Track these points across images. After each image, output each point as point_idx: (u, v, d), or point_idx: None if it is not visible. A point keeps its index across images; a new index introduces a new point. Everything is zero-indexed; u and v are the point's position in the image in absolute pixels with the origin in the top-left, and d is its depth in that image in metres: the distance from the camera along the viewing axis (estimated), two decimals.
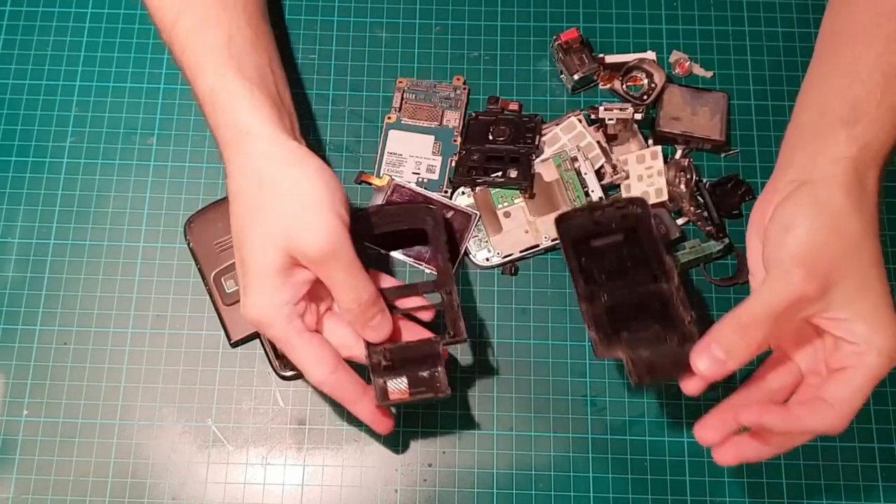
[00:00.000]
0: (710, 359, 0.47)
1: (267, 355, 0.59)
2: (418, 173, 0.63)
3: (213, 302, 0.60)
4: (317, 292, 0.52)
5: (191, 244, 0.61)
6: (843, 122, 0.49)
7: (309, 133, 0.65)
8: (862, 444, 0.58)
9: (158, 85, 0.67)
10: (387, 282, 0.56)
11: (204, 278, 0.60)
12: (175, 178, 0.64)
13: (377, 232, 0.59)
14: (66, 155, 0.65)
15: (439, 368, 0.53)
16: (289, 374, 0.59)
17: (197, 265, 0.61)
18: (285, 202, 0.50)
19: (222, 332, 0.60)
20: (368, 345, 0.53)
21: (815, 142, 0.50)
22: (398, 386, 0.53)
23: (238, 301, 0.59)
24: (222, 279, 0.60)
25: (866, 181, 0.48)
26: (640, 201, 0.55)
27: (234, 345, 0.60)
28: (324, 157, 0.60)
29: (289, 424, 0.59)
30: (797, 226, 0.47)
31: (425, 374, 0.53)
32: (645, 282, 0.55)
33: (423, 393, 0.53)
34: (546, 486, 0.57)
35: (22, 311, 0.61)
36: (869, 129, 0.49)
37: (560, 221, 0.55)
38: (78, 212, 0.63)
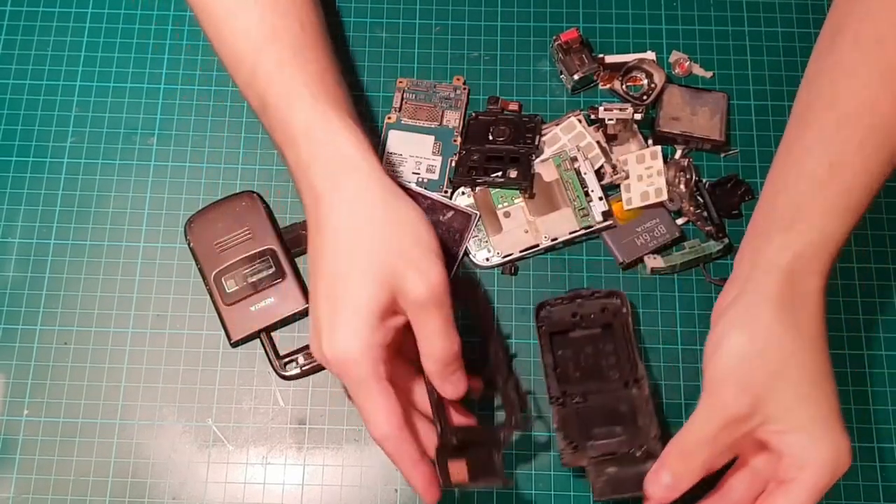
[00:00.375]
0: (659, 486, 0.48)
1: (267, 354, 0.59)
2: (418, 173, 0.63)
3: (214, 302, 0.60)
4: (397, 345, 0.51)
5: (191, 244, 0.61)
6: (780, 227, 0.49)
7: None
8: (862, 443, 0.58)
9: (159, 85, 0.67)
10: None
11: (204, 278, 0.60)
12: (175, 178, 0.64)
13: None
14: (67, 155, 0.65)
15: (498, 456, 0.53)
16: (290, 373, 0.59)
17: (197, 265, 0.61)
18: (401, 240, 0.49)
19: (222, 332, 0.60)
20: (441, 424, 0.52)
21: (756, 243, 0.49)
22: (460, 469, 0.52)
23: (240, 300, 0.59)
24: (223, 279, 0.60)
25: (804, 288, 0.48)
26: (619, 294, 0.57)
27: (235, 344, 0.60)
28: None
29: (289, 424, 0.59)
30: (726, 345, 0.47)
31: (485, 459, 0.53)
32: (618, 385, 0.57)
33: (483, 479, 0.52)
34: (546, 486, 0.57)
35: (22, 310, 0.61)
36: (805, 234, 0.48)
37: (540, 309, 0.58)
38: (78, 212, 0.64)
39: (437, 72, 0.67)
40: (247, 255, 0.60)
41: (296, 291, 0.59)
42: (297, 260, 0.61)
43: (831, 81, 0.51)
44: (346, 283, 0.48)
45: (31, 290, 0.62)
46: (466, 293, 0.60)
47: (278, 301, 0.59)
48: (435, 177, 0.63)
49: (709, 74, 0.66)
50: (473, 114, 0.65)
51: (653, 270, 0.61)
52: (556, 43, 0.65)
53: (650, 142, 0.64)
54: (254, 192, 0.62)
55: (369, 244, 0.49)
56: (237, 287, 0.60)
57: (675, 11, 0.68)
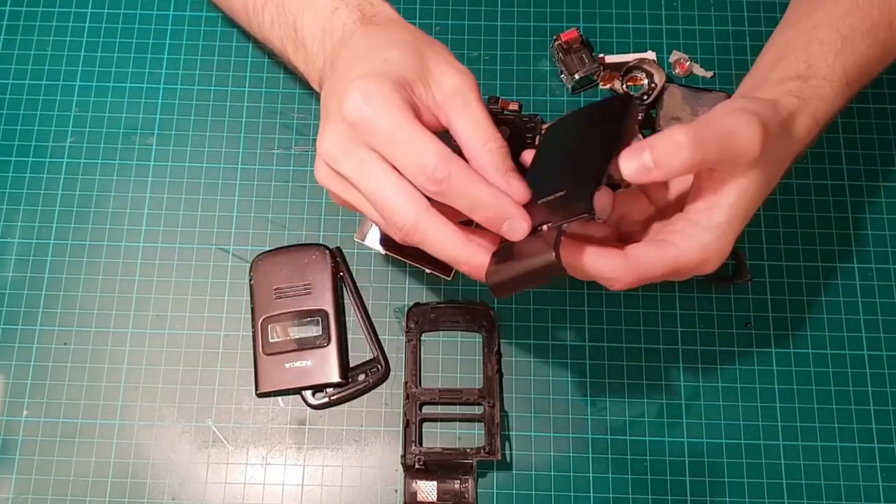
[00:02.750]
0: (638, 163, 0.43)
1: (301, 393, 0.59)
2: None
3: (254, 345, 0.59)
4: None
5: (252, 281, 0.61)
6: (796, 75, 0.50)
7: (311, 133, 0.65)
8: (862, 444, 0.58)
9: (158, 85, 0.67)
10: (431, 384, 0.58)
11: (253, 320, 0.60)
12: (175, 178, 0.64)
13: (429, 328, 0.60)
14: (66, 155, 0.65)
15: (470, 481, 0.55)
16: (318, 402, 0.59)
17: (251, 304, 0.60)
18: (426, 40, 0.47)
19: (223, 333, 0.60)
20: (405, 446, 0.55)
21: (765, 88, 0.50)
22: (428, 491, 0.55)
23: (278, 353, 0.58)
24: (269, 326, 0.59)
25: (796, 121, 0.48)
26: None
27: (260, 395, 0.59)
28: None
29: (289, 424, 0.59)
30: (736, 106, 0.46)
31: (456, 484, 0.56)
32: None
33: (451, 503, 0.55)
34: (546, 486, 0.57)
35: (22, 311, 0.61)
36: (817, 86, 0.50)
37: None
38: (78, 212, 0.63)
39: None
40: (299, 309, 0.59)
41: (334, 362, 0.58)
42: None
43: None
44: (366, 55, 0.45)
45: (31, 291, 0.62)
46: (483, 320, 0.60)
47: (315, 367, 0.58)
48: None
49: (709, 74, 0.66)
50: None
51: None
52: (557, 43, 0.65)
53: None
54: (326, 248, 0.61)
55: (396, 38, 0.46)
56: (280, 339, 0.59)
57: (676, 11, 0.68)
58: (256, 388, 0.59)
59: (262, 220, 0.63)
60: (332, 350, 0.59)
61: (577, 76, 0.64)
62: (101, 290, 0.62)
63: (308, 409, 0.59)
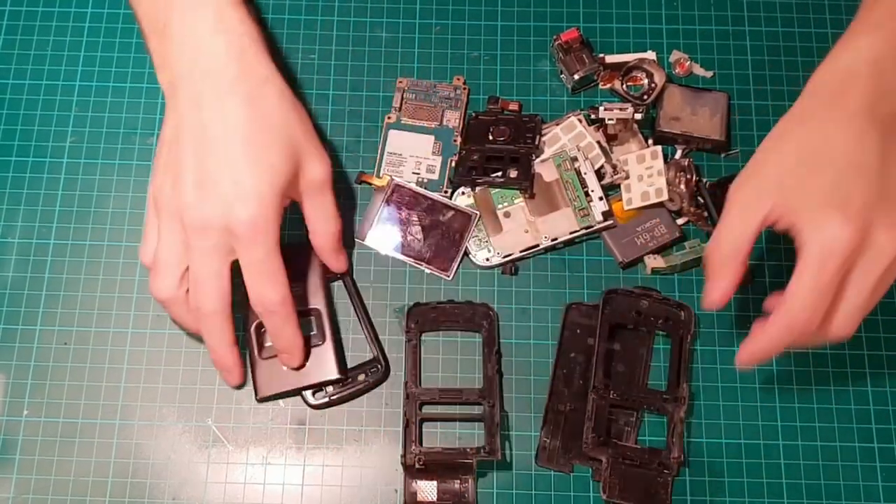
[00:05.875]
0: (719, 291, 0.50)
1: (301, 393, 0.59)
2: (418, 173, 0.63)
3: (249, 352, 0.59)
4: None
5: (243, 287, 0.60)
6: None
7: None
8: (862, 444, 0.58)
9: (158, 85, 0.66)
10: (431, 383, 0.58)
11: (245, 327, 0.59)
12: None
13: (429, 328, 0.60)
14: (66, 155, 0.65)
15: (470, 481, 0.55)
16: (319, 402, 0.58)
17: (241, 311, 0.58)
18: (298, 120, 0.52)
19: None
20: (405, 446, 0.55)
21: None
22: (428, 491, 0.55)
23: (275, 356, 0.58)
24: (262, 330, 0.58)
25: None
26: (687, 308, 0.59)
27: (260, 400, 0.59)
28: None
29: (289, 424, 0.59)
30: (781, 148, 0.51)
31: (456, 484, 0.56)
32: (657, 398, 0.58)
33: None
34: (546, 486, 0.57)
35: (22, 311, 0.61)
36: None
37: (607, 297, 0.58)
38: (78, 212, 0.63)
39: (437, 72, 0.67)
40: None
41: (331, 360, 0.58)
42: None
43: None
44: (253, 145, 0.48)
45: (31, 291, 0.62)
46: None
47: (313, 366, 0.58)
48: (435, 177, 0.63)
49: (709, 74, 0.66)
50: (473, 114, 0.65)
51: (653, 270, 0.61)
52: (557, 43, 0.65)
53: (650, 142, 0.64)
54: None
55: (278, 132, 0.50)
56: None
57: (676, 11, 0.68)
58: (256, 394, 0.58)
59: None
60: (328, 347, 0.59)
61: (577, 76, 0.64)
62: (101, 290, 0.62)
63: (308, 409, 0.59)
